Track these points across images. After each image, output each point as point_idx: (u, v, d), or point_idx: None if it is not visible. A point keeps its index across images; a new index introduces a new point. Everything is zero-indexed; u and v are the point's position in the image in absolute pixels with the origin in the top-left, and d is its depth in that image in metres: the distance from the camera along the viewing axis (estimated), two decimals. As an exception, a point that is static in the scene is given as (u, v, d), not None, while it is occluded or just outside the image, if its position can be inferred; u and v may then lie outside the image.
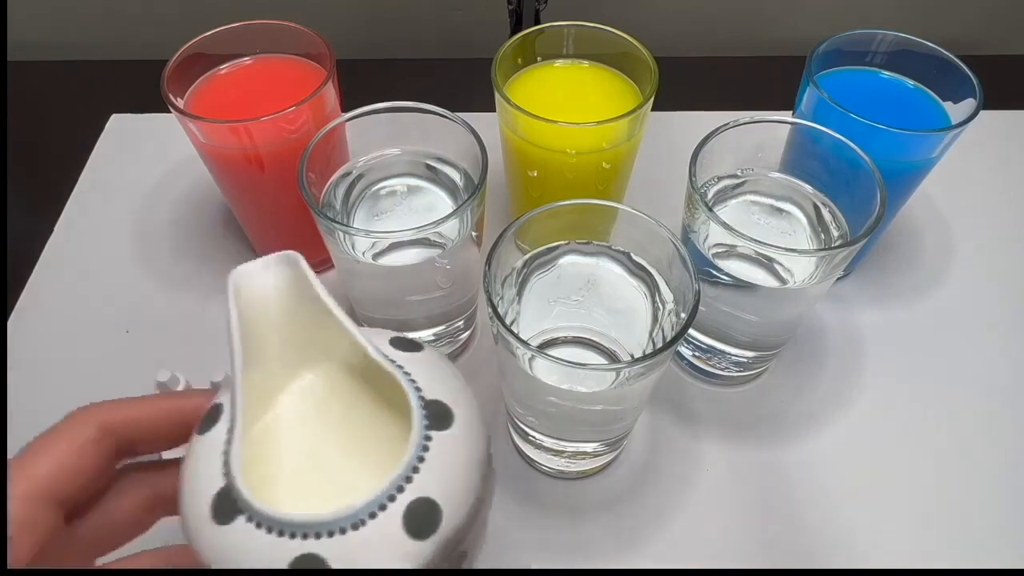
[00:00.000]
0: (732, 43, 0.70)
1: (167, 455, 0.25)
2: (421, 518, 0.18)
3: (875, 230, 0.35)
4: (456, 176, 0.41)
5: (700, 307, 0.31)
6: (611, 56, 0.45)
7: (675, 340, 0.30)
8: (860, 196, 0.37)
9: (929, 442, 0.42)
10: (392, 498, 0.18)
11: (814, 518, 0.40)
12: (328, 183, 0.39)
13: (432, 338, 0.43)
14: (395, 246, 0.37)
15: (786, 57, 0.54)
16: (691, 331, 0.40)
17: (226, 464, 0.19)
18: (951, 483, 0.41)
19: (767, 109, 0.41)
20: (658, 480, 0.41)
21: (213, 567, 0.19)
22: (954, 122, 0.41)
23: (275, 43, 0.45)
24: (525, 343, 0.29)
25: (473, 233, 0.37)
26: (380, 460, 0.20)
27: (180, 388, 0.38)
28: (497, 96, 0.41)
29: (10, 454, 0.22)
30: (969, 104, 0.41)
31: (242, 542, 0.18)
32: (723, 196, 0.41)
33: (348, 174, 0.40)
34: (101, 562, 0.23)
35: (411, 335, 0.24)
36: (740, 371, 0.44)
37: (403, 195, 0.41)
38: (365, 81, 0.47)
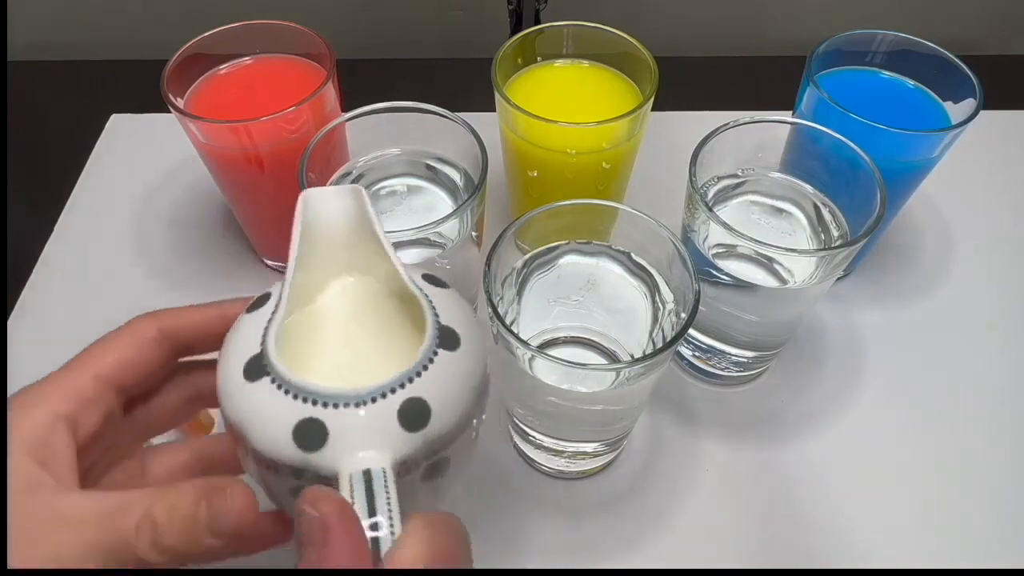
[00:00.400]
0: (732, 43, 0.70)
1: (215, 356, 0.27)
2: (413, 414, 0.21)
3: (875, 230, 0.35)
4: (456, 176, 0.41)
5: (700, 307, 0.31)
6: (611, 56, 0.45)
7: (675, 340, 0.30)
8: (860, 196, 0.37)
9: (929, 442, 0.42)
10: (393, 391, 0.21)
11: (814, 518, 0.40)
12: (328, 183, 0.39)
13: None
14: (395, 246, 0.37)
15: (786, 57, 0.54)
16: (691, 331, 0.40)
17: (264, 335, 0.22)
18: (951, 483, 0.41)
19: (767, 109, 0.41)
20: (658, 480, 0.41)
21: (235, 420, 0.22)
22: (954, 122, 0.41)
23: (275, 43, 0.45)
24: (525, 343, 0.29)
25: (473, 233, 0.37)
26: (395, 363, 0.22)
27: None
28: (497, 96, 0.41)
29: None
30: (969, 104, 0.41)
31: (262, 398, 0.21)
32: (723, 196, 0.41)
33: (348, 174, 0.40)
34: (145, 446, 0.27)
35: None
36: (740, 371, 0.44)
37: (403, 195, 0.41)
38: (365, 81, 0.47)
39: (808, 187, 0.40)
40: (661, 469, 0.41)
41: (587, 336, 0.37)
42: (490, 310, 0.30)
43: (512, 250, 0.35)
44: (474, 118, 0.38)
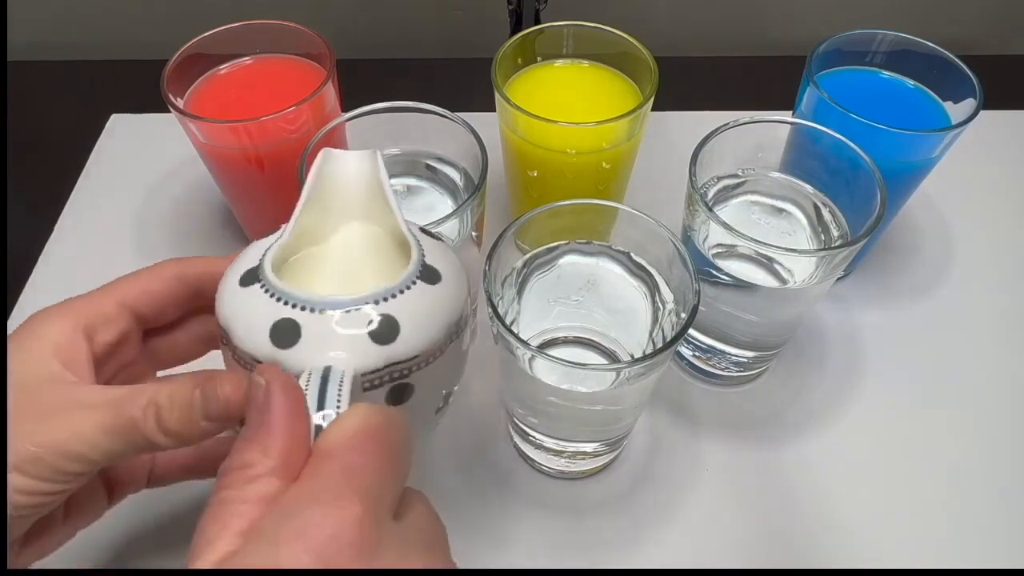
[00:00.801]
0: (732, 43, 0.70)
1: None
2: (382, 328, 0.23)
3: (875, 230, 0.35)
4: (456, 176, 0.41)
5: (700, 307, 0.31)
6: (611, 56, 0.45)
7: (675, 340, 0.30)
8: (860, 196, 0.37)
9: (929, 442, 0.42)
10: (367, 303, 0.23)
11: (814, 518, 0.40)
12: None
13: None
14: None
15: (786, 57, 0.54)
16: (691, 331, 0.40)
17: (264, 254, 0.25)
18: (951, 483, 0.41)
19: (767, 109, 0.41)
20: (658, 480, 0.41)
21: (223, 319, 0.24)
22: (954, 122, 0.41)
23: (275, 43, 0.45)
24: (525, 343, 0.29)
25: (473, 233, 0.37)
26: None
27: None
28: (497, 96, 0.41)
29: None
30: (969, 104, 0.41)
31: (250, 300, 0.24)
32: (723, 196, 0.41)
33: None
34: (160, 375, 0.30)
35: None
36: (740, 371, 0.44)
37: (403, 195, 0.41)
38: (365, 81, 0.47)
39: (808, 187, 0.40)
40: (661, 469, 0.41)
41: (587, 336, 0.37)
42: (490, 310, 0.30)
43: (512, 250, 0.35)
44: (474, 118, 0.38)
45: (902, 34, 0.43)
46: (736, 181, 0.41)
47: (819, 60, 0.43)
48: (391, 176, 0.42)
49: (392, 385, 0.24)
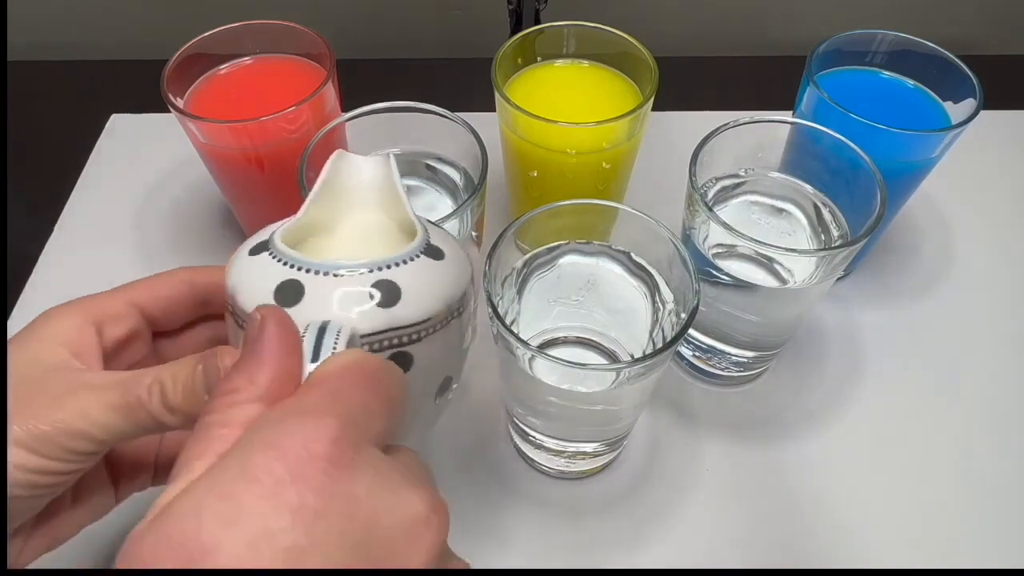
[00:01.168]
0: (732, 43, 0.70)
1: None
2: (383, 292, 0.23)
3: (875, 230, 0.35)
4: (456, 176, 0.41)
5: (700, 307, 0.31)
6: (611, 56, 0.45)
7: (675, 340, 0.30)
8: (860, 196, 0.37)
9: (929, 442, 0.42)
10: (370, 271, 0.23)
11: (814, 518, 0.40)
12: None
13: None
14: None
15: (786, 57, 0.54)
16: (691, 331, 0.40)
17: (274, 231, 0.25)
18: (951, 483, 0.41)
19: (767, 109, 0.41)
20: (658, 480, 0.41)
21: (231, 285, 0.24)
22: (954, 122, 0.41)
23: (275, 43, 0.44)
24: (525, 343, 0.29)
25: (473, 233, 0.37)
26: None
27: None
28: (497, 96, 0.41)
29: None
30: (969, 104, 0.41)
31: (258, 265, 0.24)
32: (723, 196, 0.41)
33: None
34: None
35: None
36: (740, 371, 0.44)
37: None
38: (365, 81, 0.47)
39: (808, 187, 0.40)
40: (661, 469, 0.41)
41: (587, 336, 0.37)
42: (490, 310, 0.30)
43: (512, 250, 0.35)
44: (474, 118, 0.38)
45: (902, 34, 0.43)
46: (736, 181, 0.41)
47: (819, 60, 0.43)
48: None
49: (392, 352, 0.24)
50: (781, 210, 0.41)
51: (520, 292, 0.36)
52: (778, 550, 0.39)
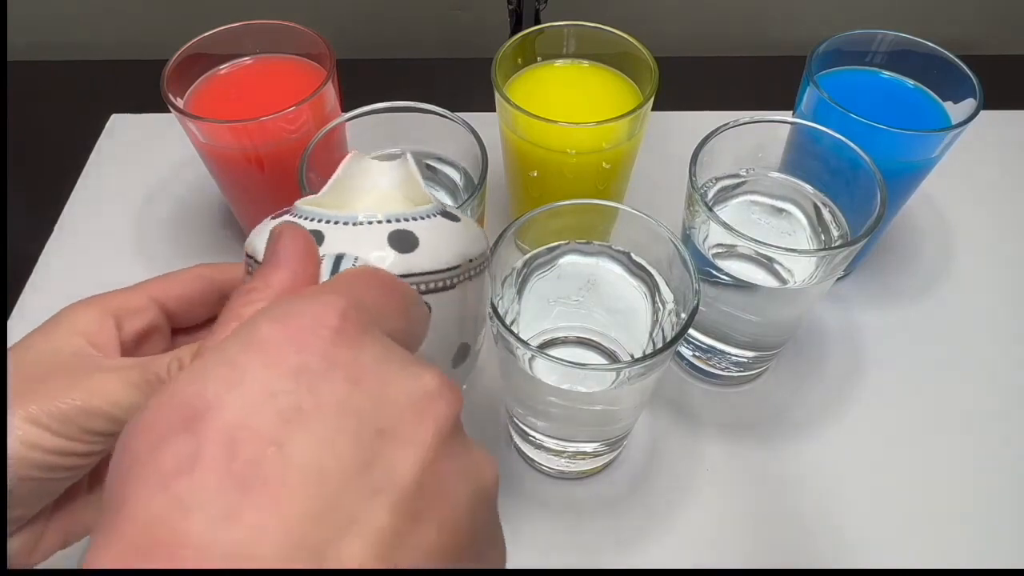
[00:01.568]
0: (732, 43, 0.70)
1: None
2: (401, 239, 0.24)
3: (875, 230, 0.35)
4: (456, 176, 0.41)
5: (700, 307, 0.31)
6: (611, 56, 0.45)
7: (675, 340, 0.30)
8: (860, 196, 0.37)
9: (929, 442, 0.42)
10: (389, 221, 0.24)
11: (814, 518, 0.40)
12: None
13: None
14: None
15: (786, 57, 0.54)
16: (691, 331, 0.40)
17: (299, 207, 0.25)
18: (952, 483, 0.41)
19: (767, 109, 0.41)
20: (658, 480, 0.41)
21: (251, 249, 0.24)
22: (954, 122, 0.41)
23: (275, 43, 0.44)
24: (525, 343, 0.29)
25: (473, 233, 0.37)
26: None
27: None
28: (497, 96, 0.41)
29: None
30: (969, 104, 0.41)
31: (277, 225, 0.24)
32: (723, 196, 0.41)
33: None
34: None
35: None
36: (740, 371, 0.44)
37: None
38: (365, 81, 0.47)
39: (808, 187, 0.40)
40: (661, 469, 0.41)
41: (587, 336, 0.37)
42: (490, 310, 0.30)
43: (512, 250, 0.35)
44: (474, 118, 0.38)
45: (902, 34, 0.43)
46: (736, 181, 0.41)
47: (819, 60, 0.43)
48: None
49: (416, 289, 0.24)
50: (781, 210, 0.41)
51: (520, 292, 0.36)
52: (778, 550, 0.39)
